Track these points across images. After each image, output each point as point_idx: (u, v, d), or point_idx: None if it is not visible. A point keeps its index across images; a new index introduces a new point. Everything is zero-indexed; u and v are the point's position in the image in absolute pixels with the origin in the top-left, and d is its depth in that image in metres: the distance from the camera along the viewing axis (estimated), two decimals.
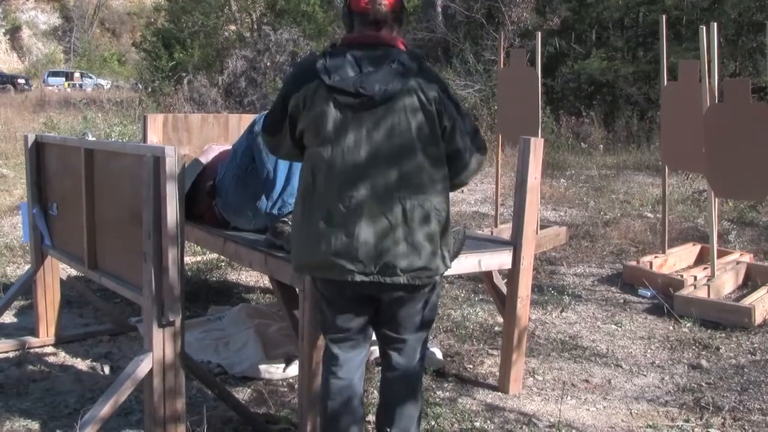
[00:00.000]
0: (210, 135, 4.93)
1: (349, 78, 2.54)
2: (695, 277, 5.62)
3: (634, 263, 5.97)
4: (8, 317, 4.80)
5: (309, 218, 2.61)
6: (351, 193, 2.54)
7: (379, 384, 3.02)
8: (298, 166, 3.06)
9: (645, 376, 4.10)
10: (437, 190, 2.63)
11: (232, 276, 5.97)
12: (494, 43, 16.24)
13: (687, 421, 3.53)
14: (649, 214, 8.25)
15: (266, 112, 2.90)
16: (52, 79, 37.12)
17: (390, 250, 2.54)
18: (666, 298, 5.22)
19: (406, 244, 2.55)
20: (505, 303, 3.79)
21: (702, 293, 5.21)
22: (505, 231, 6.29)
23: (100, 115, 15.68)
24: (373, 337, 2.87)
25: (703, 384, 3.98)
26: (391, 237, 2.54)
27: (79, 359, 4.19)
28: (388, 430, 2.82)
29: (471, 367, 4.16)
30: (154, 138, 4.69)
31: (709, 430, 3.44)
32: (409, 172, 2.56)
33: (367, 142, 2.54)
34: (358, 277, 2.56)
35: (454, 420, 3.48)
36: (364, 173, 2.54)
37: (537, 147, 3.65)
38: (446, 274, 2.81)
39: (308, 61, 2.65)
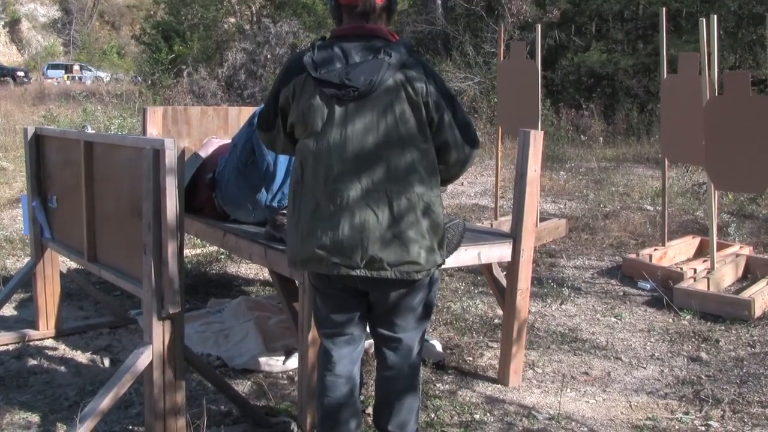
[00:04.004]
0: (210, 127, 4.92)
1: (336, 70, 2.51)
2: (695, 270, 5.62)
3: (633, 256, 5.97)
4: (8, 310, 4.80)
5: (299, 212, 2.60)
6: (338, 186, 2.51)
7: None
8: None
9: (644, 368, 4.11)
10: (427, 184, 2.58)
11: (232, 268, 5.97)
12: (494, 35, 16.21)
13: (686, 413, 3.54)
14: (649, 207, 8.25)
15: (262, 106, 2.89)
16: (51, 72, 37.00)
17: (376, 243, 2.50)
18: (666, 291, 5.23)
19: (393, 238, 2.51)
20: (505, 295, 3.79)
21: (701, 286, 5.21)
22: (504, 223, 6.28)
23: (99, 107, 15.66)
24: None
25: (703, 376, 3.99)
26: (378, 230, 2.50)
27: (79, 352, 4.19)
28: (386, 424, 2.81)
29: (471, 359, 4.16)
30: (154, 131, 4.68)
31: (709, 422, 3.44)
32: (396, 164, 2.52)
33: (354, 134, 2.51)
34: (345, 271, 2.53)
35: (453, 412, 3.49)
36: (351, 166, 2.51)
37: (537, 139, 3.64)
38: (446, 266, 2.78)
39: (297, 55, 2.63)
